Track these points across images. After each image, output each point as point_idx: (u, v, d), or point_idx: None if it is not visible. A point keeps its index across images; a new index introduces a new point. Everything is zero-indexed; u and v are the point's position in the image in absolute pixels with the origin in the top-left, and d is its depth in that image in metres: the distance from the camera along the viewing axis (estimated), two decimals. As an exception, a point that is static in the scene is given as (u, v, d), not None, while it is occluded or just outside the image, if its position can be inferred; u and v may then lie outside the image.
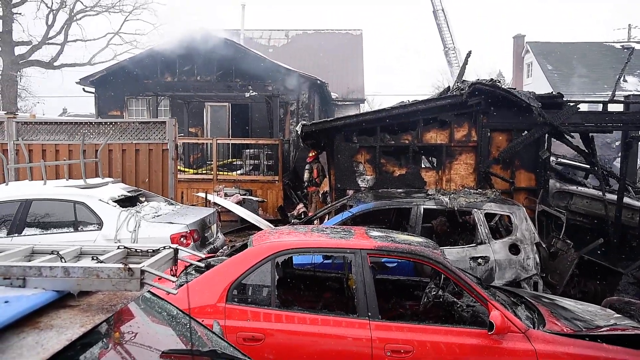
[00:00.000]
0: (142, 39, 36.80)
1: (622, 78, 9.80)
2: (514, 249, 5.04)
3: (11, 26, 20.24)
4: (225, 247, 5.43)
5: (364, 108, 21.12)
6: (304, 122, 7.61)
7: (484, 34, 66.00)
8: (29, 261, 1.71)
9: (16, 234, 5.27)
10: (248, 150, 11.94)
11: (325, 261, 4.46)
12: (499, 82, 7.34)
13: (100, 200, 5.46)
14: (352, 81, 19.76)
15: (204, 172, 11.65)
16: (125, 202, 5.80)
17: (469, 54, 8.81)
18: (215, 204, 8.67)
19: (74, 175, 6.68)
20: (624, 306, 4.47)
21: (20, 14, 20.72)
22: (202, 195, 9.20)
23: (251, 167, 11.72)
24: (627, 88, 21.37)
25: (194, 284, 3.09)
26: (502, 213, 5.44)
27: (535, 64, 26.61)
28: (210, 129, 14.52)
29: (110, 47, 23.50)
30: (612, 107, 7.20)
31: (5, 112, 12.00)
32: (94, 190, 5.68)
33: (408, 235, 3.95)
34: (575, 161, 9.03)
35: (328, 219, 6.01)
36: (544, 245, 5.23)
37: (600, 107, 7.21)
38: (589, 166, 7.78)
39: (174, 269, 1.74)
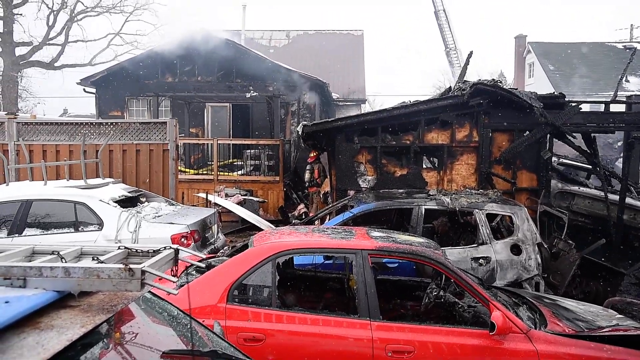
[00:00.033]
0: (142, 40, 36.79)
1: (624, 78, 9.79)
2: (516, 249, 5.03)
3: (12, 27, 20.27)
4: (226, 248, 5.43)
5: (365, 108, 21.11)
6: (305, 122, 7.61)
7: (485, 34, 66.01)
8: (30, 261, 1.70)
9: (17, 235, 5.27)
10: (249, 151, 11.94)
11: (326, 262, 4.45)
12: (501, 82, 7.34)
13: (100, 200, 5.46)
14: (353, 82, 19.76)
15: (204, 172, 11.66)
16: (126, 202, 5.80)
17: (470, 55, 8.79)
18: (216, 204, 8.67)
19: (75, 175, 6.68)
20: (626, 307, 4.46)
21: (21, 14, 20.77)
22: (203, 195, 9.20)
23: (252, 168, 11.72)
24: (629, 88, 21.34)
25: (195, 285, 3.08)
26: (503, 213, 5.43)
27: (537, 64, 26.57)
28: (211, 130, 14.53)
29: (111, 47, 23.55)
30: (614, 108, 7.18)
31: (6, 112, 12.01)
32: (94, 191, 5.68)
33: (409, 235, 3.94)
34: (577, 161, 9.01)
35: (329, 220, 6.01)
36: (545, 246, 5.21)
37: (602, 108, 7.20)
38: (590, 166, 7.76)
39: (174, 269, 1.74)
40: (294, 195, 11.40)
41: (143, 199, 6.30)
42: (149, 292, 1.94)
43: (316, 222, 6.40)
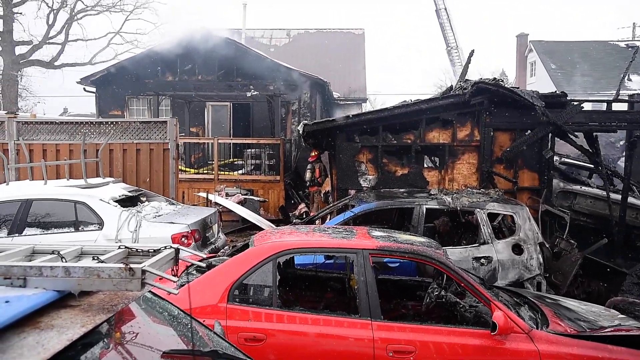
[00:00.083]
0: (143, 39, 36.89)
1: (626, 77, 9.78)
2: (517, 249, 5.02)
3: (12, 26, 20.28)
4: (226, 247, 5.43)
5: (366, 108, 21.10)
6: (306, 121, 7.61)
7: (487, 33, 65.89)
8: (30, 261, 1.70)
9: (17, 234, 5.26)
10: (249, 150, 11.93)
11: (327, 261, 4.44)
12: (502, 81, 7.32)
13: (101, 200, 5.45)
14: (354, 81, 19.74)
15: (205, 171, 11.65)
16: (126, 202, 5.80)
17: (471, 53, 8.78)
18: (216, 203, 8.67)
19: (75, 175, 6.68)
20: (628, 307, 4.45)
21: (21, 13, 20.78)
22: (204, 195, 9.20)
23: (252, 167, 11.71)
24: (632, 87, 21.29)
25: (195, 284, 3.08)
26: (505, 213, 5.41)
27: (538, 63, 26.53)
28: (212, 129, 14.52)
29: (111, 46, 23.55)
30: (616, 107, 7.17)
31: (6, 111, 12.03)
32: (94, 190, 5.68)
33: (410, 235, 3.93)
34: (579, 161, 9.00)
35: (330, 219, 6.00)
36: (547, 245, 5.20)
37: (604, 106, 7.19)
38: (592, 166, 7.74)
39: (175, 269, 1.73)
40: (294, 195, 11.39)
41: (143, 199, 6.29)
42: (150, 291, 1.93)
43: (317, 222, 6.39)
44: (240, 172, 11.67)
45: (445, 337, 2.95)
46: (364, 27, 27.79)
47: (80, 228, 5.33)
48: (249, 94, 12.29)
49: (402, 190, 6.46)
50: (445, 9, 25.98)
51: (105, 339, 1.54)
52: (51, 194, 5.55)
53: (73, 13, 22.14)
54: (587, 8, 65.28)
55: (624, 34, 31.40)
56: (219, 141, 11.46)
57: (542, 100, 6.72)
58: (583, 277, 5.24)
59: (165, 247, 1.75)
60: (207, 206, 8.11)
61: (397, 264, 4.63)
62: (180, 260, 1.77)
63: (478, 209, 5.17)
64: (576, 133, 6.90)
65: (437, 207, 5.34)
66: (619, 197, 7.07)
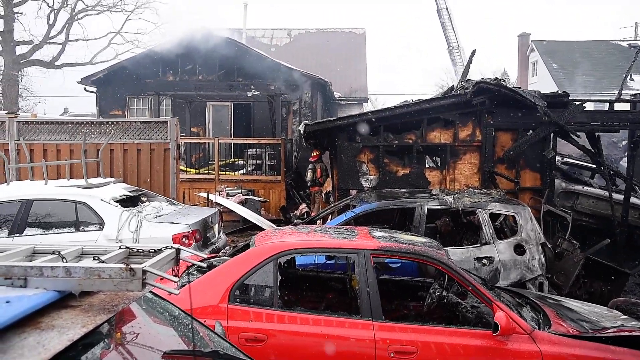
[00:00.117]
0: (143, 39, 36.82)
1: (628, 77, 9.75)
2: (519, 249, 5.00)
3: (12, 26, 20.31)
4: (227, 248, 5.43)
5: (367, 107, 21.09)
6: (307, 121, 7.59)
7: (488, 32, 65.83)
8: (30, 261, 1.70)
9: (17, 234, 5.26)
10: (250, 150, 11.93)
11: (328, 261, 4.43)
12: (504, 81, 7.30)
13: (101, 200, 5.45)
14: (355, 80, 19.74)
15: (206, 171, 11.65)
16: (127, 202, 5.79)
17: (473, 53, 8.77)
18: (217, 204, 8.66)
19: (76, 175, 6.68)
20: (631, 307, 4.44)
21: (21, 13, 20.82)
22: (204, 195, 9.19)
23: (253, 167, 11.71)
24: (634, 87, 21.28)
25: (196, 285, 3.07)
26: (507, 213, 5.40)
27: (540, 62, 26.50)
28: (213, 129, 14.52)
29: (111, 46, 23.58)
30: (618, 106, 7.16)
31: (7, 111, 12.03)
32: (95, 190, 5.67)
33: (412, 235, 3.92)
34: (581, 161, 8.98)
35: (331, 219, 5.99)
36: (549, 246, 5.18)
37: (606, 106, 7.16)
38: (595, 166, 7.72)
39: (175, 269, 1.73)
40: (295, 195, 11.39)
41: (144, 199, 6.29)
42: (150, 292, 1.93)
43: (318, 222, 6.38)
44: (241, 172, 11.67)
45: (447, 337, 2.94)
46: (365, 26, 27.74)
47: (80, 228, 5.33)
48: (249, 94, 12.30)
49: (403, 190, 6.45)
50: (447, 8, 25.98)
51: (106, 340, 1.54)
52: (52, 194, 5.55)
53: (73, 13, 22.18)
54: (589, 8, 65.31)
55: (626, 34, 31.38)
56: (220, 141, 11.46)
57: (544, 100, 6.70)
58: (585, 278, 5.23)
59: (166, 248, 1.75)
60: (207, 206, 8.10)
61: (399, 265, 4.62)
62: (181, 261, 1.76)
63: (480, 209, 5.16)
64: (578, 133, 6.88)
65: (439, 207, 5.33)
66: (621, 197, 7.05)
